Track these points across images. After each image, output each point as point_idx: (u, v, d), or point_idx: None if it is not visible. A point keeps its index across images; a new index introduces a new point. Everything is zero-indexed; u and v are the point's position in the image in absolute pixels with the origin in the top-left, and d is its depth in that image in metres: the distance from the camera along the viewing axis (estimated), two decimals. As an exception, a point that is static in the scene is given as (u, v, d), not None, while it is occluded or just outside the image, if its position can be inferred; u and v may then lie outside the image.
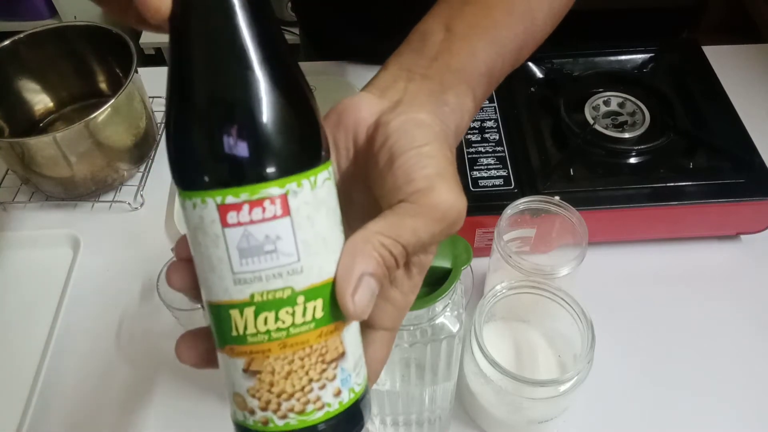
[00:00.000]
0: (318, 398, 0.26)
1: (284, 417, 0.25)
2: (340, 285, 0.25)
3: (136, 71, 0.72)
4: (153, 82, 0.77)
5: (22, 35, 0.75)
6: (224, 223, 0.24)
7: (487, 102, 0.71)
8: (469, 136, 0.68)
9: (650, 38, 0.79)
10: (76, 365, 0.63)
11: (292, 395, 0.25)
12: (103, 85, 0.82)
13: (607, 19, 0.84)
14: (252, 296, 0.24)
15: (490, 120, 0.69)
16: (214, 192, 0.24)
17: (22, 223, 0.76)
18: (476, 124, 0.69)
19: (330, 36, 0.90)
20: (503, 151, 0.67)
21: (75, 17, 1.61)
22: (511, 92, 0.73)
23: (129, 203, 0.76)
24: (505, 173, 0.65)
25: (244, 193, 0.24)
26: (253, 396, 0.26)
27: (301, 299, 0.25)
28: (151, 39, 1.57)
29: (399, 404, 0.49)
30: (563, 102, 0.70)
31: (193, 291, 0.27)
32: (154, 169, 0.79)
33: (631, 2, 0.85)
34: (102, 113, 0.68)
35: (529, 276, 0.54)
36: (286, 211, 0.24)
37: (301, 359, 0.25)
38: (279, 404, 0.25)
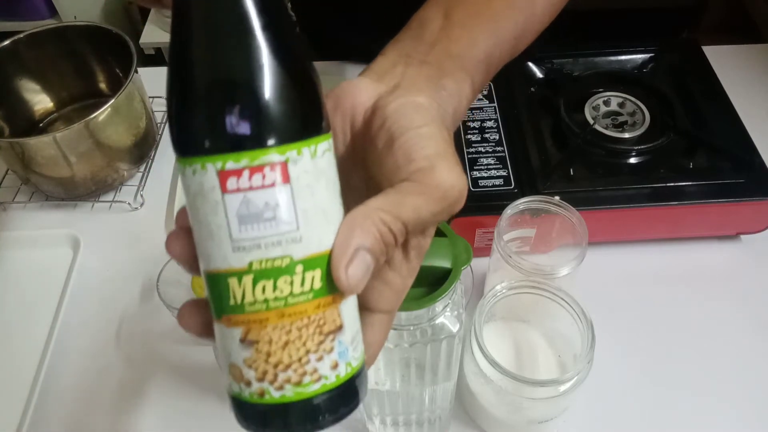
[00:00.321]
0: (315, 370, 0.25)
1: (281, 388, 0.25)
2: (335, 257, 0.25)
3: (136, 71, 0.72)
4: (153, 82, 0.77)
5: (22, 35, 0.75)
6: (224, 189, 0.24)
7: (487, 102, 0.71)
8: (469, 136, 0.68)
9: (650, 38, 0.79)
10: (76, 365, 0.63)
11: (289, 366, 0.25)
12: (103, 85, 0.82)
13: (607, 19, 0.84)
14: (251, 264, 0.24)
15: (490, 120, 0.69)
16: (214, 157, 0.24)
17: (22, 223, 0.76)
18: (476, 124, 0.69)
19: (330, 36, 0.90)
20: (503, 151, 0.67)
21: (75, 17, 1.61)
22: (511, 92, 0.73)
23: (129, 203, 0.76)
24: (505, 173, 0.65)
25: (244, 159, 0.23)
26: (250, 367, 0.25)
27: (299, 268, 0.25)
28: (151, 39, 1.57)
29: (399, 404, 0.49)
30: (563, 102, 0.70)
31: (192, 262, 0.27)
32: (154, 169, 0.79)
33: (631, 2, 0.85)
34: (102, 113, 0.68)
35: (529, 276, 0.54)
36: (286, 178, 0.24)
37: (299, 329, 0.25)
38: (276, 375, 0.25)
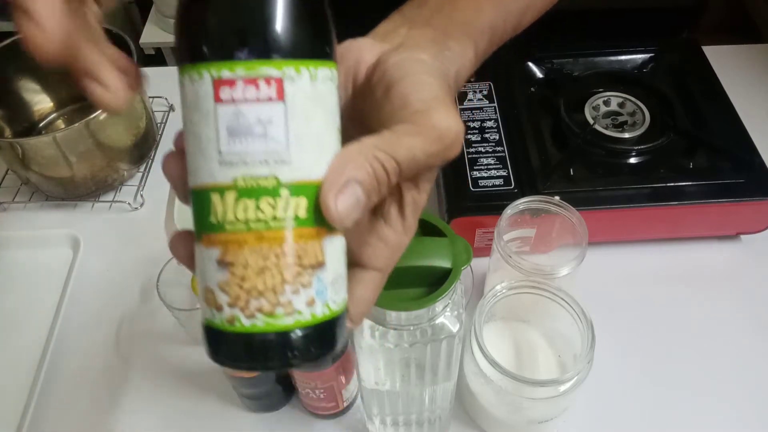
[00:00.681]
0: (289, 302, 0.25)
1: (252, 316, 0.24)
2: (325, 185, 0.25)
3: (136, 71, 0.72)
4: (153, 82, 0.77)
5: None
6: (217, 99, 0.23)
7: (487, 102, 0.71)
8: (469, 136, 0.68)
9: (650, 38, 0.79)
10: (76, 365, 0.63)
11: (262, 293, 0.24)
12: (103, 85, 0.82)
13: (607, 19, 0.84)
14: (235, 180, 0.24)
15: (490, 120, 0.69)
16: (210, 64, 0.23)
17: (22, 223, 0.76)
18: (476, 124, 0.69)
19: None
20: (503, 151, 0.67)
21: (75, 17, 1.61)
22: (511, 92, 0.73)
23: (129, 203, 0.76)
24: (505, 173, 0.65)
25: (239, 68, 0.23)
26: (223, 290, 0.25)
27: (284, 192, 0.24)
28: (151, 39, 1.57)
29: (399, 404, 0.49)
30: (563, 102, 0.70)
31: (182, 183, 0.26)
32: (154, 169, 0.79)
33: (630, 2, 0.85)
34: (102, 113, 0.68)
35: (529, 276, 0.54)
36: (281, 95, 0.24)
37: (277, 256, 0.24)
38: (248, 301, 0.24)
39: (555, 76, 0.76)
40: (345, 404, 0.57)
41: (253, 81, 0.23)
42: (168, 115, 0.85)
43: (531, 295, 0.53)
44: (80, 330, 0.65)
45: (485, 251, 0.61)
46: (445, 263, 0.37)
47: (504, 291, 0.53)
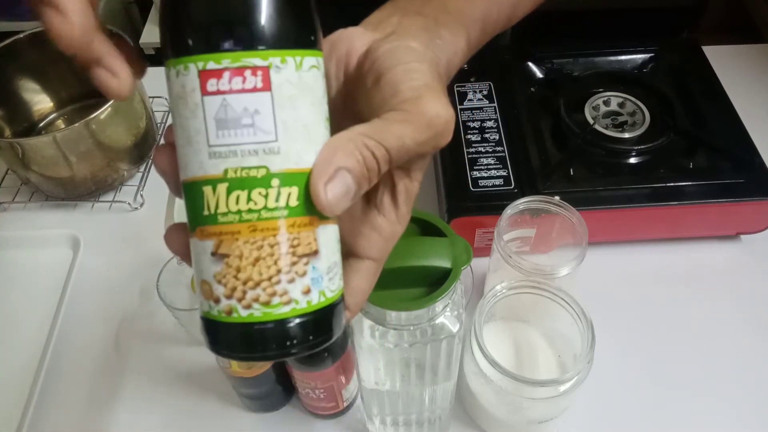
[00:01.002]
0: (285, 291, 0.25)
1: (248, 307, 0.25)
2: (315, 173, 0.25)
3: (136, 71, 0.72)
4: (153, 82, 0.76)
5: (22, 35, 0.75)
6: (204, 91, 0.24)
7: (487, 102, 0.71)
8: (469, 136, 0.68)
9: (650, 38, 0.79)
10: (76, 365, 0.63)
11: (258, 284, 0.25)
12: (103, 85, 0.82)
13: (607, 19, 0.84)
14: (226, 171, 0.24)
15: (490, 120, 0.69)
16: (196, 57, 0.23)
17: (22, 223, 0.76)
18: (476, 124, 0.69)
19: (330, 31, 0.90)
20: (503, 151, 0.67)
21: (75, 17, 1.61)
22: (511, 92, 0.73)
23: (129, 203, 0.76)
24: (505, 173, 0.65)
25: (225, 60, 0.23)
26: (219, 282, 0.25)
27: (275, 182, 0.24)
28: (151, 39, 1.57)
29: (399, 404, 0.49)
30: (563, 102, 0.70)
31: (177, 177, 0.26)
32: (154, 169, 0.79)
33: (630, 2, 0.85)
34: (102, 113, 0.68)
35: (529, 276, 0.54)
36: (267, 85, 0.24)
37: (271, 246, 0.24)
38: (244, 292, 0.25)
39: (555, 76, 0.76)
40: (345, 404, 0.57)
41: (239, 71, 0.23)
42: (168, 115, 0.85)
43: (531, 295, 0.53)
44: (80, 330, 0.65)
45: (485, 251, 0.61)
46: (445, 263, 0.37)
47: (504, 291, 0.53)
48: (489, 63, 0.74)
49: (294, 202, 0.25)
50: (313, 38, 0.26)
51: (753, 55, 0.90)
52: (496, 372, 0.48)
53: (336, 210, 0.25)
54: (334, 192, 0.25)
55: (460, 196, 0.64)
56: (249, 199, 0.24)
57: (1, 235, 0.73)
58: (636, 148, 0.67)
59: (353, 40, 0.29)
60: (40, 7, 0.23)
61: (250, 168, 0.24)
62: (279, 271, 0.25)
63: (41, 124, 0.82)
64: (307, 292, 0.25)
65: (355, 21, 0.31)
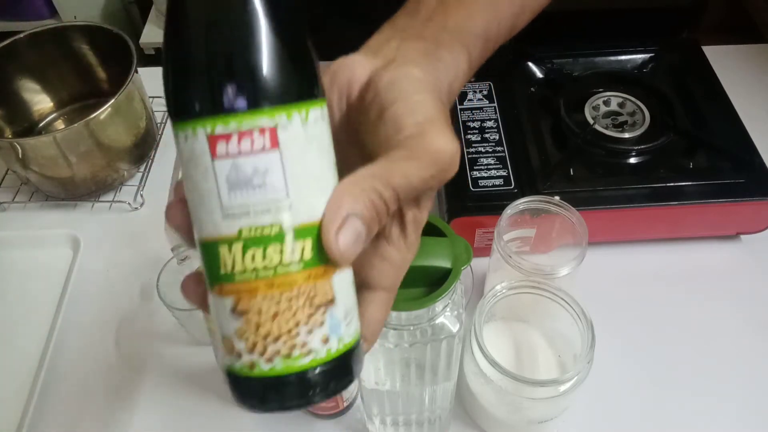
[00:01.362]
0: (305, 343, 0.25)
1: (270, 360, 0.25)
2: (325, 223, 0.25)
3: (136, 71, 0.72)
4: (153, 82, 0.77)
5: (22, 35, 0.75)
6: (213, 155, 0.24)
7: (487, 102, 0.71)
8: (469, 136, 0.68)
9: (650, 38, 0.79)
10: (76, 365, 0.63)
11: (278, 338, 0.25)
12: (103, 85, 0.82)
13: (607, 19, 0.84)
14: (240, 231, 0.24)
15: (490, 120, 0.69)
16: (204, 121, 0.24)
17: (22, 223, 0.76)
18: (476, 124, 0.69)
19: (330, 36, 0.90)
20: (503, 151, 0.67)
21: (75, 17, 1.61)
22: (511, 92, 0.73)
23: (129, 203, 0.76)
24: (505, 173, 0.65)
25: (232, 122, 0.23)
26: (240, 338, 0.25)
27: (289, 237, 0.24)
28: (151, 39, 1.57)
29: (399, 404, 0.49)
30: (563, 102, 0.70)
31: (190, 232, 0.27)
32: (154, 169, 0.79)
33: (630, 2, 0.85)
34: (102, 113, 0.68)
35: (529, 276, 0.54)
36: (275, 143, 0.24)
37: (289, 300, 0.25)
38: (265, 347, 0.25)
39: (555, 76, 0.76)
40: (345, 404, 0.57)
41: (247, 134, 0.24)
42: (168, 115, 0.85)
43: (531, 295, 0.53)
44: (80, 330, 0.65)
45: (485, 251, 0.61)
46: (445, 263, 0.37)
47: (504, 291, 0.53)
48: (489, 63, 0.73)
49: (308, 255, 0.25)
50: (315, 89, 0.26)
51: (753, 55, 0.90)
52: (496, 372, 0.48)
53: (349, 258, 0.25)
54: (345, 240, 0.25)
55: (460, 196, 0.64)
56: (264, 256, 0.24)
57: (1, 235, 0.73)
58: (636, 148, 0.67)
59: (354, 69, 0.29)
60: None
61: (263, 226, 0.24)
62: (298, 323, 0.25)
63: (41, 124, 0.82)
64: (326, 340, 0.26)
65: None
